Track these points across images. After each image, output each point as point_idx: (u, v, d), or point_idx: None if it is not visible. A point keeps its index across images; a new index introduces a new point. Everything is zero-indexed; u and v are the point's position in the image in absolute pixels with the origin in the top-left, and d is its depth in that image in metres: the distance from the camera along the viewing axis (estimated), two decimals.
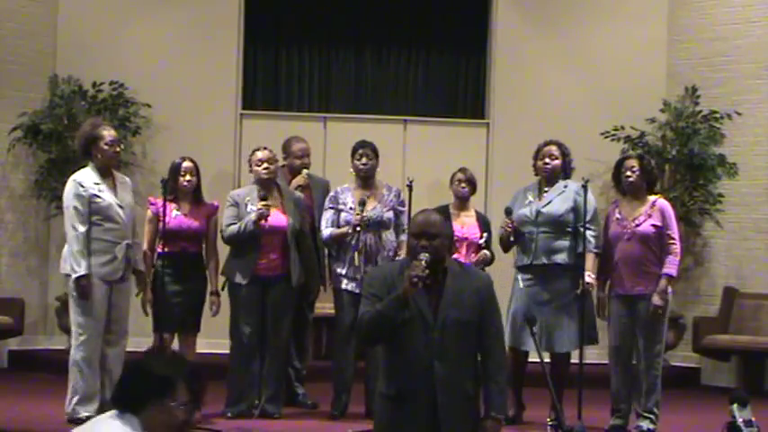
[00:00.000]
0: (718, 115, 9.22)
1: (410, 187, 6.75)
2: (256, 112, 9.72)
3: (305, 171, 7.10)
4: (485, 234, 6.95)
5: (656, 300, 6.30)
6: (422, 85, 10.09)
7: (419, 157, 9.43)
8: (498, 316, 4.41)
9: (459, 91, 10.12)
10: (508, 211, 6.58)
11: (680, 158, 9.22)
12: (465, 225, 7.01)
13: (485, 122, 9.83)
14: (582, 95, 9.70)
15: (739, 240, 9.30)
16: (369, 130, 8.72)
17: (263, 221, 6.46)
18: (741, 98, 9.26)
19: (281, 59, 9.97)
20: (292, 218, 6.63)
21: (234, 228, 6.55)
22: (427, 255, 4.17)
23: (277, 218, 6.56)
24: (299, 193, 6.90)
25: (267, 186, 6.65)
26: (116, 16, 9.49)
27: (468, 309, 4.26)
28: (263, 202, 6.49)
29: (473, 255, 6.89)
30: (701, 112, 9.33)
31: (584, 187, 6.43)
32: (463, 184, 7.13)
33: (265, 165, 6.64)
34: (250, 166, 6.78)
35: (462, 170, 7.20)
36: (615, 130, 9.30)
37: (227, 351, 6.82)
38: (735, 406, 5.22)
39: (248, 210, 6.56)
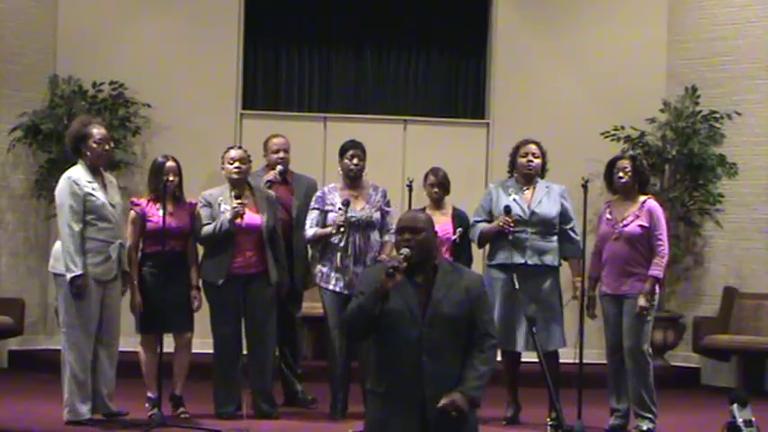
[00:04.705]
0: (718, 115, 9.22)
1: (410, 187, 6.74)
2: (256, 112, 9.73)
3: (279, 167, 7.03)
4: (459, 230, 6.84)
5: (641, 301, 6.28)
6: (422, 85, 10.09)
7: (419, 157, 9.41)
8: (489, 313, 4.43)
9: (459, 91, 10.12)
10: (508, 210, 6.54)
11: (680, 158, 9.22)
12: (438, 223, 6.92)
13: (485, 122, 9.83)
14: (582, 95, 9.70)
15: (739, 240, 9.30)
16: (369, 130, 8.74)
17: (238, 220, 6.45)
18: (741, 98, 9.26)
19: (281, 59, 9.98)
20: (266, 216, 6.61)
21: (209, 228, 6.51)
22: (408, 250, 4.24)
23: (251, 216, 6.54)
24: (270, 192, 6.85)
25: (239, 185, 6.62)
26: (116, 16, 9.51)
27: (457, 305, 4.29)
28: (239, 201, 6.47)
29: (447, 253, 6.72)
30: (700, 112, 9.34)
31: (584, 187, 6.41)
32: (435, 189, 6.90)
33: (237, 164, 6.60)
34: (222, 164, 6.72)
35: (434, 171, 6.93)
36: (615, 130, 9.31)
37: None
38: (735, 406, 5.23)
39: (221, 209, 6.53)
